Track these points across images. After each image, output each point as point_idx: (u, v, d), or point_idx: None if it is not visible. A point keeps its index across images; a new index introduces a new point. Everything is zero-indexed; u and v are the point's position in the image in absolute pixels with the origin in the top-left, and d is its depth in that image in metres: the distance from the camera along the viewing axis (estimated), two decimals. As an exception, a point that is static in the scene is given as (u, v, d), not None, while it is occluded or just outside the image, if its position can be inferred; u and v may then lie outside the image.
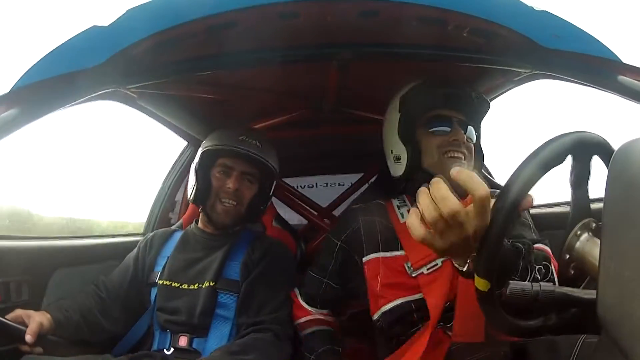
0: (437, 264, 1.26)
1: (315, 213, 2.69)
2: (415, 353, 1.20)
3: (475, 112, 1.37)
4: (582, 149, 0.78)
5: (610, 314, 0.59)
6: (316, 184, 3.54)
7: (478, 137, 1.39)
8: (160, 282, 1.49)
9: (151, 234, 1.69)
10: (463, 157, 1.29)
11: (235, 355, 1.25)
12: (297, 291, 1.51)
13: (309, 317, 1.47)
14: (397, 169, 1.37)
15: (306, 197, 2.75)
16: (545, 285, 0.76)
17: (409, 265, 1.27)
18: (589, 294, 0.72)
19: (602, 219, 0.62)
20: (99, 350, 1.41)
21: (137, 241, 1.71)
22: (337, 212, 2.78)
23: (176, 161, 2.34)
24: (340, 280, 1.43)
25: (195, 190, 1.54)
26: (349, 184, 2.94)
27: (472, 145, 1.35)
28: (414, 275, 1.26)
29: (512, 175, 0.74)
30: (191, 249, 1.56)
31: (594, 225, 0.79)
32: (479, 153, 1.39)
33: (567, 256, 0.81)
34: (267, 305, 1.41)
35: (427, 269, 1.26)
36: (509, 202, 0.72)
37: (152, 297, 1.50)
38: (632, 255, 0.55)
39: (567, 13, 1.03)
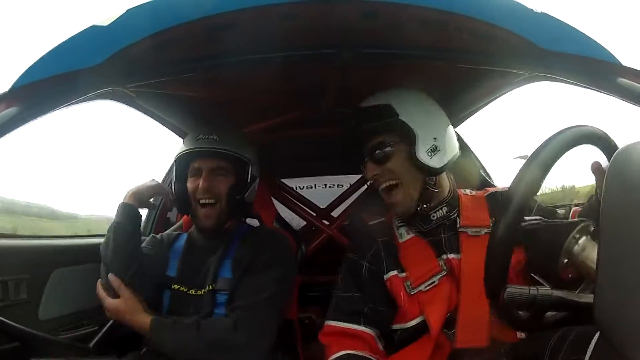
0: (434, 282, 1.27)
1: (314, 214, 2.70)
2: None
3: (384, 125, 1.30)
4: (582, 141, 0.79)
5: (607, 317, 0.59)
6: (315, 184, 3.54)
7: (405, 138, 1.28)
8: (176, 286, 1.50)
9: (159, 235, 1.69)
10: (392, 182, 1.30)
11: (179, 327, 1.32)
12: (331, 322, 1.33)
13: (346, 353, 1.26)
14: None
15: (305, 198, 2.75)
16: (543, 289, 0.76)
17: (409, 283, 1.28)
18: (586, 297, 0.73)
19: (600, 222, 0.62)
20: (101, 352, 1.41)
21: None
22: (335, 213, 2.78)
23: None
24: (380, 300, 1.32)
25: (176, 200, 1.57)
26: (348, 185, 2.94)
27: (392, 162, 1.29)
28: (412, 293, 1.27)
29: (515, 179, 0.78)
30: (195, 254, 1.56)
31: (592, 228, 0.79)
32: (414, 155, 1.27)
33: (566, 259, 0.81)
34: (247, 292, 1.41)
35: (425, 287, 1.27)
36: (513, 207, 0.76)
37: (165, 300, 1.50)
38: (630, 259, 0.55)
39: (566, 15, 1.03)
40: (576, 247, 0.79)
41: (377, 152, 1.30)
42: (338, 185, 3.46)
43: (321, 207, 2.82)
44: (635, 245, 0.55)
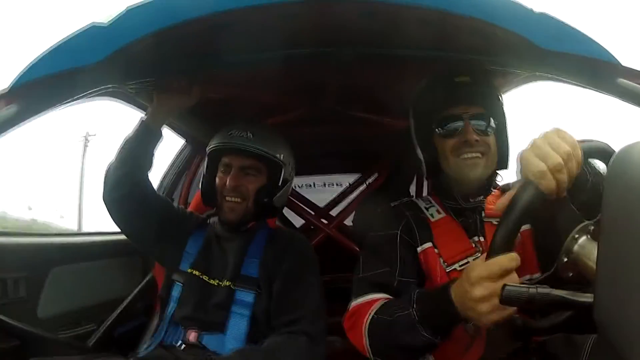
0: (469, 262, 1.24)
1: (313, 213, 2.70)
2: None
3: (490, 99, 1.30)
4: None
5: (607, 316, 0.59)
6: (314, 183, 3.55)
7: (500, 124, 1.30)
8: (190, 270, 1.48)
9: (189, 211, 1.70)
10: (480, 155, 1.25)
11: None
12: (356, 301, 1.22)
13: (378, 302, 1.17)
14: (424, 171, 1.37)
15: (303, 196, 2.76)
16: (542, 288, 0.77)
17: (442, 260, 1.26)
18: (586, 296, 0.73)
19: (601, 222, 0.62)
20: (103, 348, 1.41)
21: None
22: (334, 212, 2.79)
23: (174, 160, 2.34)
24: (412, 273, 1.26)
25: (202, 192, 1.56)
26: (347, 184, 2.94)
27: (491, 137, 1.28)
28: (447, 270, 1.24)
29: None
30: (215, 245, 1.55)
31: (592, 228, 0.79)
32: (502, 142, 1.30)
33: (565, 259, 0.81)
34: (301, 302, 1.40)
35: (460, 266, 1.24)
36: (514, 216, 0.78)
37: (175, 293, 1.48)
38: (630, 259, 0.55)
39: (566, 15, 1.03)
40: (576, 247, 0.79)
41: (486, 117, 1.28)
42: (337, 185, 3.46)
43: (320, 206, 2.83)
44: (635, 244, 0.55)
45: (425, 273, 1.28)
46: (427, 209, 1.36)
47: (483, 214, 1.33)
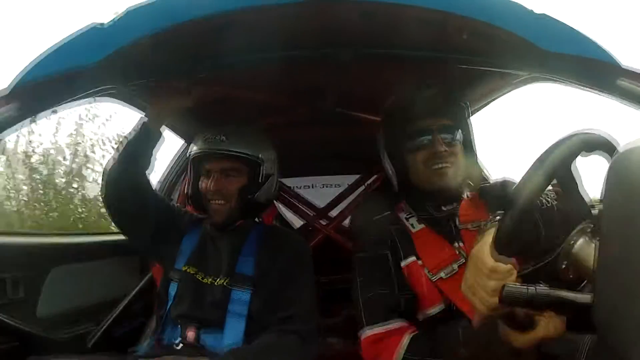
0: (454, 269, 1.25)
1: (312, 214, 2.70)
2: None
3: (456, 110, 1.35)
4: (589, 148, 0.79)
5: (607, 317, 0.59)
6: (313, 184, 3.54)
7: (467, 134, 1.35)
8: (184, 268, 1.50)
9: (185, 210, 1.72)
10: (450, 166, 1.29)
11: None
12: (372, 330, 1.24)
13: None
14: (394, 183, 1.40)
15: (303, 197, 2.76)
16: (541, 288, 0.77)
17: (427, 270, 1.27)
18: (585, 296, 0.73)
19: (600, 222, 0.62)
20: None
21: None
22: (333, 213, 2.79)
23: (173, 160, 2.34)
24: (407, 288, 1.29)
25: (190, 197, 1.58)
26: (346, 185, 2.94)
27: (458, 147, 1.32)
28: (433, 279, 1.25)
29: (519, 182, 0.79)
30: (209, 244, 1.56)
31: (590, 229, 0.79)
32: (469, 152, 1.35)
33: (564, 259, 0.81)
34: (294, 300, 1.42)
35: (445, 274, 1.25)
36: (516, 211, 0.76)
37: (172, 291, 1.49)
38: (630, 259, 0.55)
39: (566, 16, 1.03)
40: (575, 247, 0.79)
41: (452, 129, 1.33)
42: (336, 185, 3.46)
43: (319, 207, 2.83)
44: (635, 246, 0.55)
45: (409, 286, 1.29)
46: (407, 219, 1.37)
47: (458, 221, 1.33)
